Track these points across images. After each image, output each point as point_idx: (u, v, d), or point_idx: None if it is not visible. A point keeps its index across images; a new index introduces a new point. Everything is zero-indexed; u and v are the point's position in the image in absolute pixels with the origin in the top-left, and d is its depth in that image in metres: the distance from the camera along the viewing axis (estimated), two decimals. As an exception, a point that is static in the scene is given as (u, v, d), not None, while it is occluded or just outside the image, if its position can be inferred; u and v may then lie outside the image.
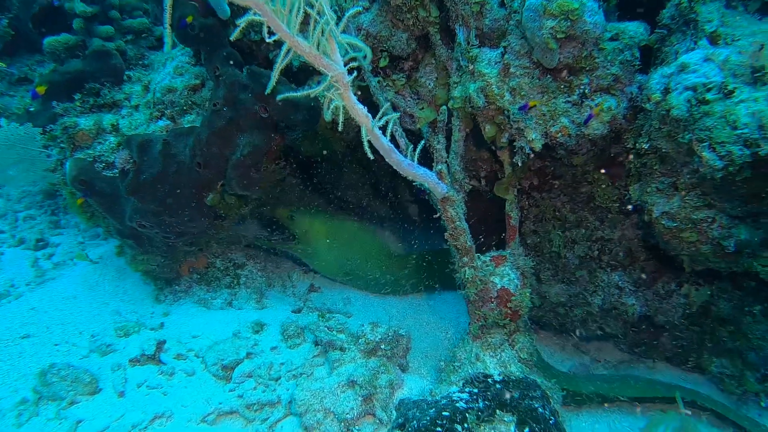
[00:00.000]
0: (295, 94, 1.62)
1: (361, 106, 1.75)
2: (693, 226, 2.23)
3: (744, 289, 2.68)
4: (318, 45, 1.60)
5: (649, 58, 2.46)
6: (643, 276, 2.85)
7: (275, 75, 1.59)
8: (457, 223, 2.03)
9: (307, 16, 1.62)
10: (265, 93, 1.75)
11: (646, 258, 2.81)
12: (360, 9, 2.57)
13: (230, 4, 1.66)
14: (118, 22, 3.55)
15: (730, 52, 2.06)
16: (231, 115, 2.65)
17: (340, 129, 1.61)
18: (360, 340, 2.58)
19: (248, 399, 2.46)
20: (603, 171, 2.70)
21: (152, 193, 2.78)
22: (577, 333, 3.22)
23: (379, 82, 2.73)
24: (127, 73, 3.36)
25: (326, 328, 2.71)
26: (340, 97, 1.72)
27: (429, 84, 2.75)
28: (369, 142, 1.78)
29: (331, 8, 1.64)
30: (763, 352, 2.69)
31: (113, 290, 3.49)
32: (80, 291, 3.43)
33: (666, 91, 2.09)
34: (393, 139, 2.42)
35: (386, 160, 1.85)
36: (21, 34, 3.76)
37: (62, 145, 2.96)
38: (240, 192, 2.79)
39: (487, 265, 2.26)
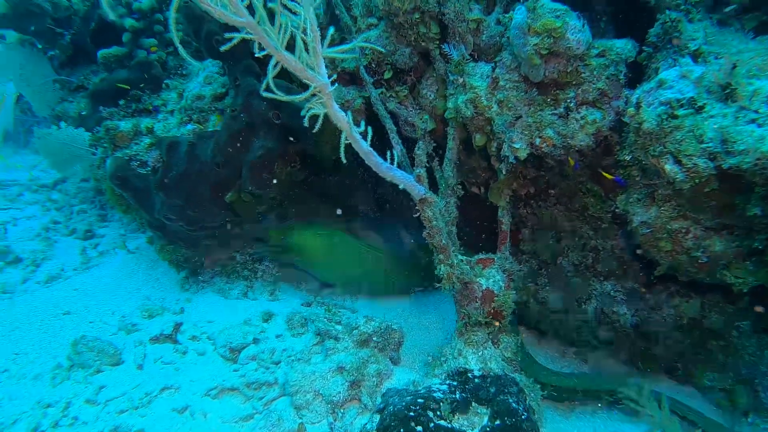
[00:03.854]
0: (280, 97, 1.85)
1: (342, 113, 1.97)
2: (668, 236, 2.30)
3: (735, 304, 2.69)
4: (300, 58, 1.83)
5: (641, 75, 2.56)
6: (635, 286, 2.90)
7: (269, 80, 1.83)
8: (434, 222, 2.20)
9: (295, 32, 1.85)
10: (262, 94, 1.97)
11: (638, 268, 2.87)
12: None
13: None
14: (161, 35, 3.94)
15: (706, 69, 2.14)
16: (247, 120, 2.93)
17: (314, 130, 1.83)
18: (354, 331, 2.77)
19: (249, 378, 2.70)
20: (595, 182, 2.80)
21: (177, 189, 3.10)
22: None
23: (382, 93, 2.94)
24: (165, 81, 3.73)
25: (326, 320, 2.92)
26: (323, 105, 1.95)
27: (430, 95, 2.94)
28: (349, 145, 1.99)
29: (317, 26, 1.88)
30: (755, 367, 2.69)
31: (146, 278, 3.84)
32: (118, 277, 3.81)
33: (638, 105, 2.19)
34: (383, 144, 2.63)
35: (366, 162, 2.05)
36: (80, 47, 4.24)
37: (105, 144, 3.34)
38: (254, 191, 3.06)
39: (464, 264, 2.41)
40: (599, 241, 2.91)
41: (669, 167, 2.03)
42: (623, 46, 2.47)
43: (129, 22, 3.83)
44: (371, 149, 2.04)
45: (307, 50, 1.85)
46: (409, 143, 2.90)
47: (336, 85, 1.87)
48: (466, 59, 2.66)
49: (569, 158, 2.33)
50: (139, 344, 2.97)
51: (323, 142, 3.09)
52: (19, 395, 2.63)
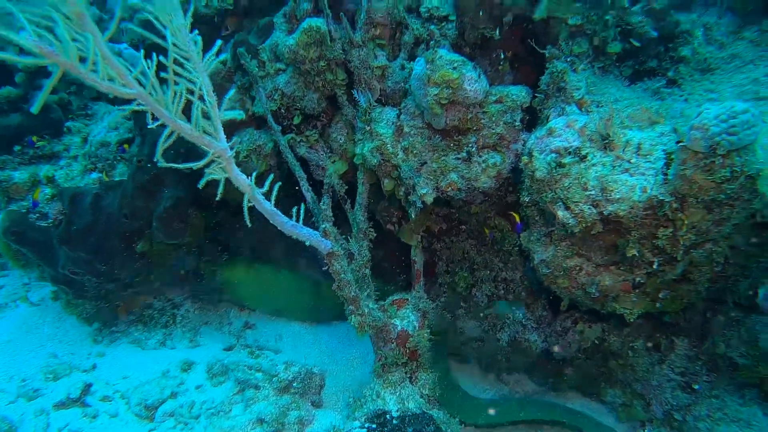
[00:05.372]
0: (177, 166, 1.83)
1: (243, 176, 1.97)
2: (565, 273, 2.47)
3: (630, 326, 2.92)
4: (197, 125, 1.82)
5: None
6: (544, 314, 3.08)
7: (159, 154, 1.81)
8: (342, 276, 2.24)
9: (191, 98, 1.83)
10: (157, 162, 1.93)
11: (545, 297, 3.05)
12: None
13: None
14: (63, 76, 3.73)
15: (588, 119, 2.32)
16: (155, 170, 2.85)
17: (218, 198, 1.83)
18: (274, 378, 2.75)
19: (165, 438, 2.61)
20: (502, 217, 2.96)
21: (83, 242, 2.95)
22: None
23: (292, 138, 2.95)
24: (67, 124, 3.54)
25: (245, 368, 2.88)
26: (223, 170, 1.94)
27: (340, 139, 2.99)
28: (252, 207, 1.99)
29: (212, 91, 1.87)
30: (648, 383, 2.92)
31: (53, 332, 3.59)
32: (17, 335, 3.53)
33: (530, 154, 2.34)
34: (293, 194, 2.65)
35: (271, 222, 2.06)
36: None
37: (-3, 196, 3.13)
38: (166, 241, 2.97)
39: (377, 311, 2.47)
40: (509, 273, 3.07)
41: (561, 213, 2.18)
42: (518, 93, 2.63)
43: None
44: (275, 210, 2.05)
45: (205, 116, 1.84)
46: (321, 188, 2.93)
47: (233, 150, 1.87)
48: (373, 105, 2.73)
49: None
50: (40, 413, 2.78)
51: (235, 187, 3.05)
52: None
